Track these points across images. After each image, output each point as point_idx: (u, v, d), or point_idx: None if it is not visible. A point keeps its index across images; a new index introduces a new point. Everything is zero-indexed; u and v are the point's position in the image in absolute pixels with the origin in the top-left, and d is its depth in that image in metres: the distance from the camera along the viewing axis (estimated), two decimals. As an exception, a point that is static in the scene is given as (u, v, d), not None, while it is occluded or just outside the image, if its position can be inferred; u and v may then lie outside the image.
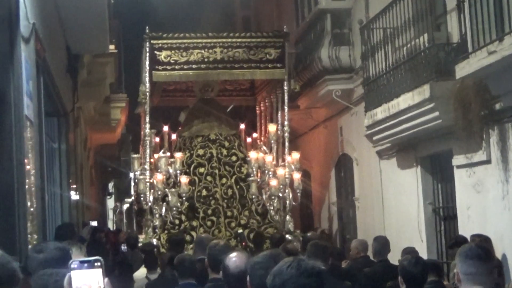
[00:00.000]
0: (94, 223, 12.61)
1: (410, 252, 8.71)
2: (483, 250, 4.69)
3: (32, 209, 7.40)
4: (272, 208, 13.94)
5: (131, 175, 29.25)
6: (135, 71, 15.20)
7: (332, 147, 16.87)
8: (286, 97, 14.50)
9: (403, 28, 11.50)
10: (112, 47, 14.72)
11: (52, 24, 10.47)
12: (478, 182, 10.28)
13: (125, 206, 37.80)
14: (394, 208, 13.32)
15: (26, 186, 6.87)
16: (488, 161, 9.96)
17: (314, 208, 18.38)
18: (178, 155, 14.03)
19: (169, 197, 13.45)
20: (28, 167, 7.24)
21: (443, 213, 12.01)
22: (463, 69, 9.19)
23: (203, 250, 7.43)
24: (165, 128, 15.44)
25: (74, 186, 13.37)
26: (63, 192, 11.53)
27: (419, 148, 12.20)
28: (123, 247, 15.03)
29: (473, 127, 9.76)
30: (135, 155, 14.75)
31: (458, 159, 10.70)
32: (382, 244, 9.55)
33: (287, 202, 14.05)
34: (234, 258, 5.38)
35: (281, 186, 13.77)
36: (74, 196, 13.29)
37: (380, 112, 12.19)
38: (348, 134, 15.78)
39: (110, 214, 35.94)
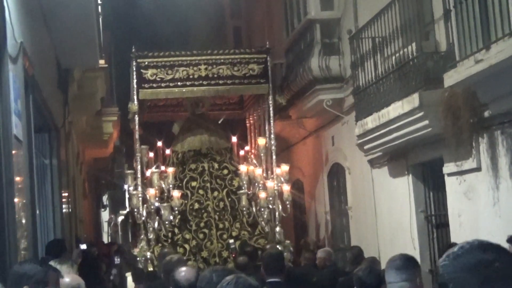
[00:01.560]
0: (83, 246, 12.63)
1: (371, 261, 8.95)
2: (403, 260, 4.95)
3: (22, 226, 7.42)
4: (262, 219, 14.07)
5: (126, 187, 29.32)
6: (127, 84, 15.27)
7: (324, 156, 16.90)
8: (271, 111, 14.62)
9: (392, 37, 11.54)
10: (102, 61, 14.77)
11: (42, 40, 10.50)
12: (469, 189, 10.31)
13: (120, 218, 37.81)
14: (386, 217, 13.35)
15: (16, 200, 6.88)
16: (478, 169, 9.98)
17: (307, 218, 18.40)
18: (170, 170, 14.20)
19: (162, 211, 13.57)
20: (19, 185, 7.27)
21: (435, 220, 12.03)
22: (451, 78, 9.24)
23: None
24: (159, 143, 15.59)
25: (66, 200, 13.38)
26: (55, 207, 11.54)
27: (410, 156, 12.22)
28: (117, 259, 15.12)
29: (463, 134, 9.80)
30: (129, 171, 14.97)
31: (448, 167, 10.73)
32: (355, 255, 10.30)
33: (277, 213, 14.16)
34: (183, 272, 5.50)
35: (270, 198, 13.87)
36: (66, 210, 13.30)
37: (371, 121, 12.22)
38: (340, 143, 15.80)
39: (105, 226, 35.89)
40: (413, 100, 10.49)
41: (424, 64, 10.47)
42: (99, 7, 12.54)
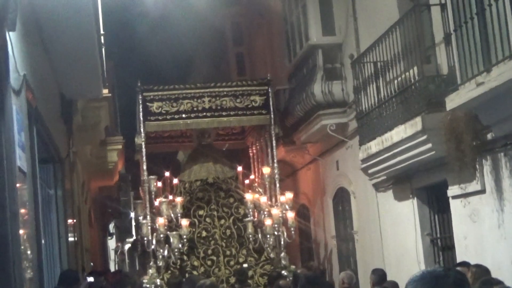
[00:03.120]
0: (91, 279, 12.68)
1: (392, 285, 9.04)
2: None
3: (28, 257, 7.43)
4: (267, 246, 14.20)
5: (132, 214, 29.37)
6: (131, 112, 15.41)
7: (330, 181, 16.89)
8: (274, 141, 14.88)
9: (393, 61, 11.57)
10: (105, 91, 14.87)
11: (44, 72, 10.55)
12: (473, 212, 10.29)
13: (127, 246, 37.77)
14: (392, 240, 13.32)
15: (21, 231, 6.89)
16: (482, 191, 9.96)
17: (314, 243, 18.36)
18: (179, 199, 14.51)
19: (171, 239, 13.73)
20: (24, 217, 7.29)
21: (441, 243, 12.00)
22: (453, 101, 9.26)
23: None
24: (167, 174, 15.82)
25: (72, 230, 13.42)
26: (60, 237, 11.55)
27: (414, 180, 12.21)
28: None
29: (466, 157, 9.78)
30: (138, 201, 15.23)
31: (452, 190, 10.72)
32: (379, 276, 10.51)
33: (282, 239, 14.29)
34: None
35: (275, 225, 14.01)
36: (72, 240, 13.35)
37: (374, 146, 12.23)
38: (345, 168, 15.79)
39: (112, 254, 35.87)
40: (416, 124, 10.51)
41: (426, 87, 10.49)
42: (102, 37, 12.60)
